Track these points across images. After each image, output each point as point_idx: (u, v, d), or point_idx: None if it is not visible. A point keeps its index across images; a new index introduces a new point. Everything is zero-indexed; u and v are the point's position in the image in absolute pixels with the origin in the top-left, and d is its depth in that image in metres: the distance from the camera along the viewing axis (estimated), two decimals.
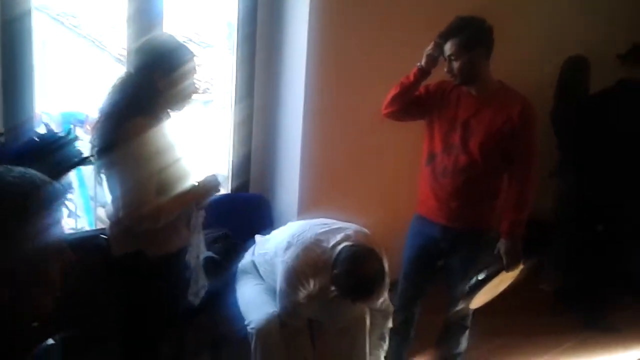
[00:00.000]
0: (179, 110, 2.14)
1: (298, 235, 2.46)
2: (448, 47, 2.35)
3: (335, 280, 2.36)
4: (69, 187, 1.46)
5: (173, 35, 2.18)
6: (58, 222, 1.00)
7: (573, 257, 3.79)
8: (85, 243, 2.61)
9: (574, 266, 3.80)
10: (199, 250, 2.30)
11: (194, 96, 2.20)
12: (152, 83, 2.01)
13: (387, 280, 2.44)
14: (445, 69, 2.39)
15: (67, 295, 1.18)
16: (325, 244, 2.41)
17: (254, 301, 2.58)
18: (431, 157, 2.55)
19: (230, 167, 3.16)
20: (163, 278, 2.12)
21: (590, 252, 3.62)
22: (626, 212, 3.48)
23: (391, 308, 2.66)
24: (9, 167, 0.94)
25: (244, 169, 3.17)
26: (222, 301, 2.63)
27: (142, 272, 2.09)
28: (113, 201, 2.07)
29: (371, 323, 2.64)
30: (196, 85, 2.16)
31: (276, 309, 2.48)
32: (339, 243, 2.40)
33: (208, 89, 3.40)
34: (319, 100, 3.06)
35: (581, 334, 3.51)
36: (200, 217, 2.26)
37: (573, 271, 3.82)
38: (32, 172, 0.95)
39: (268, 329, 2.43)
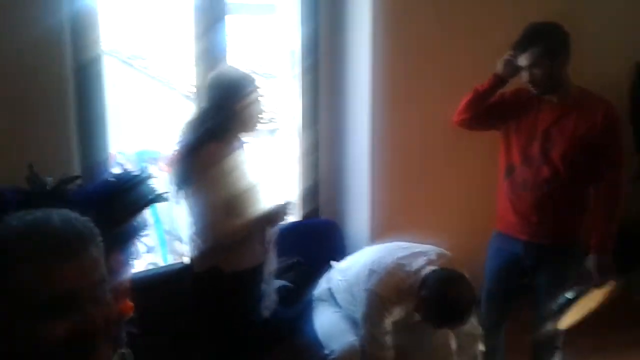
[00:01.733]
0: (250, 133, 2.32)
1: (379, 261, 2.41)
2: (527, 57, 2.25)
3: (423, 306, 2.29)
4: (144, 225, 1.51)
5: (237, 66, 2.40)
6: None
7: None
8: (168, 273, 2.74)
9: None
10: (271, 267, 2.42)
11: (262, 123, 2.40)
12: (223, 112, 2.21)
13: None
14: (525, 79, 2.29)
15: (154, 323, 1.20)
16: (408, 268, 2.36)
17: (334, 329, 2.54)
18: (510, 169, 2.45)
19: (300, 193, 3.17)
20: (239, 293, 2.28)
21: None
22: None
23: (479, 330, 2.55)
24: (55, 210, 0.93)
25: (313, 195, 3.18)
26: (299, 329, 2.61)
27: (218, 287, 2.28)
28: (192, 224, 2.27)
29: (459, 346, 2.54)
30: (263, 110, 2.33)
31: (356, 338, 2.43)
32: (423, 267, 2.35)
33: (274, 118, 3.45)
34: (385, 122, 3.03)
35: None
36: (273, 235, 2.39)
37: None
38: (78, 217, 0.94)
39: (350, 358, 2.39)
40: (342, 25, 3.08)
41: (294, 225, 3.08)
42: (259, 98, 2.28)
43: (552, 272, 2.41)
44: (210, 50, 2.73)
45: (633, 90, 3.65)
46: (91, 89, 2.47)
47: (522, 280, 2.52)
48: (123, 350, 1.22)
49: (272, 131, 3.34)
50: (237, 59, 3.07)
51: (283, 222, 2.38)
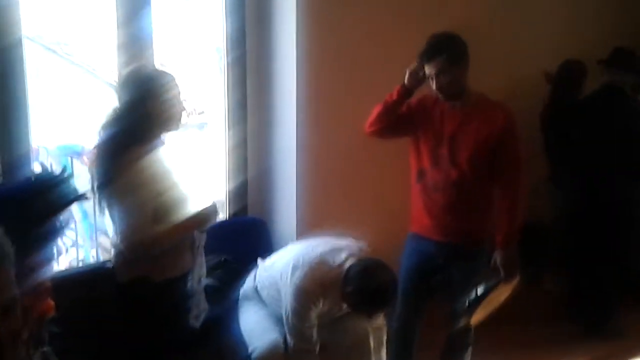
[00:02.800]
0: (171, 132, 2.23)
1: (303, 257, 2.48)
2: (433, 65, 2.39)
3: (350, 296, 2.39)
4: (65, 224, 1.49)
5: (151, 63, 2.35)
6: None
7: (572, 262, 3.78)
8: (90, 276, 2.67)
9: (575, 271, 3.78)
10: (200, 273, 2.36)
11: (185, 118, 2.32)
12: (140, 112, 2.11)
13: None
14: (433, 87, 2.42)
15: (76, 325, 1.20)
16: (331, 262, 2.45)
17: (258, 328, 2.58)
18: (421, 174, 2.58)
19: (227, 191, 3.16)
20: (169, 302, 2.19)
21: (589, 255, 3.60)
22: (620, 212, 3.47)
23: (384, 324, 2.69)
24: None
25: (241, 193, 3.17)
26: (224, 329, 2.64)
27: (148, 297, 2.18)
28: (114, 230, 2.15)
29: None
30: (183, 107, 2.25)
31: (279, 336, 2.49)
32: (345, 261, 2.45)
33: (202, 111, 3.40)
34: (311, 120, 3.06)
35: (586, 342, 3.49)
36: (202, 240, 2.33)
37: (574, 277, 3.80)
38: None
39: (272, 357, 2.44)
40: (268, 18, 3.06)
41: (222, 223, 3.07)
42: (178, 95, 2.19)
43: (464, 269, 2.54)
44: (134, 38, 2.64)
45: (553, 91, 3.79)
46: (11, 76, 2.36)
47: (435, 279, 2.64)
48: (44, 349, 1.22)
49: (200, 126, 3.29)
50: (162, 47, 2.99)
51: (211, 225, 2.32)
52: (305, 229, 3.03)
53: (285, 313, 2.43)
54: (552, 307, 3.77)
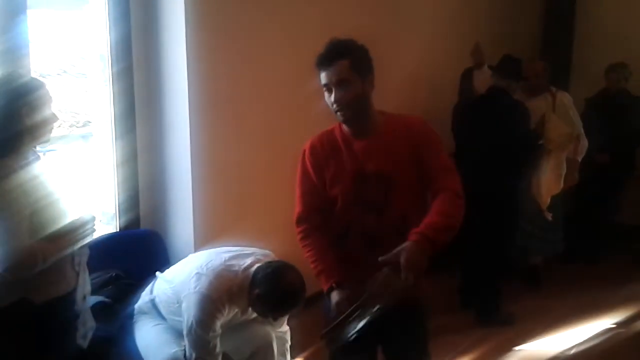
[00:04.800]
0: (44, 142, 2.11)
1: (206, 265, 2.41)
2: (333, 71, 1.92)
3: (258, 300, 2.34)
4: None
5: (24, 72, 2.19)
6: None
7: (462, 253, 3.98)
8: None
9: (464, 261, 3.99)
10: (84, 290, 2.22)
11: (67, 129, 2.16)
12: (7, 123, 1.97)
13: None
14: (330, 101, 1.94)
15: None
16: (236, 268, 2.40)
17: (154, 342, 2.48)
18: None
19: (117, 203, 3.03)
20: (52, 323, 2.06)
21: (477, 246, 3.81)
22: (504, 203, 3.71)
23: (288, 329, 2.68)
24: None
25: (132, 204, 3.05)
26: (116, 346, 2.51)
27: (29, 319, 2.02)
28: None
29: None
30: (55, 117, 2.12)
31: (179, 349, 2.39)
32: (250, 266, 2.40)
33: (88, 122, 3.25)
34: (204, 128, 3.01)
35: (478, 331, 3.66)
36: (84, 255, 2.19)
37: (464, 267, 4.01)
38: None
39: None
40: (155, 25, 2.99)
41: (112, 236, 2.95)
42: (49, 104, 2.06)
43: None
44: (9, 47, 2.51)
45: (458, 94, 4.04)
46: None
47: None
48: None
49: (85, 137, 3.14)
50: (41, 56, 2.83)
51: (90, 238, 2.16)
52: (203, 240, 2.97)
53: (188, 324, 2.33)
54: (444, 298, 3.93)
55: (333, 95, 1.94)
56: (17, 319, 2.02)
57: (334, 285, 1.99)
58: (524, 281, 4.32)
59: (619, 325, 3.82)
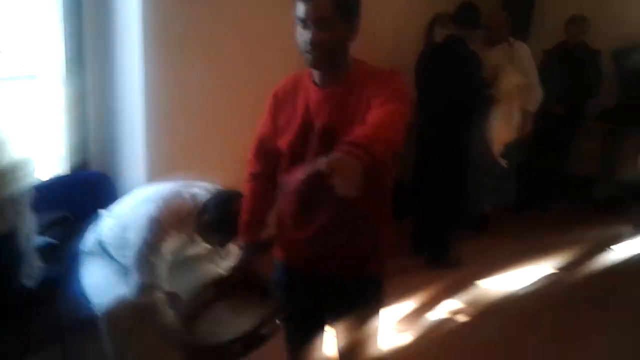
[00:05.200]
0: None
1: (155, 193, 2.40)
2: (313, 7, 1.62)
3: (207, 225, 2.35)
4: None
5: None
6: None
7: (420, 202, 4.06)
8: None
9: (421, 210, 4.07)
10: (28, 230, 2.19)
11: (10, 68, 2.08)
12: None
13: None
14: (304, 38, 1.65)
15: None
16: (186, 195, 2.40)
17: (102, 284, 2.47)
18: None
19: (67, 145, 2.97)
20: None
21: (429, 193, 3.88)
22: (457, 152, 3.78)
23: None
24: None
25: (82, 146, 3.00)
26: (65, 288, 2.51)
27: None
28: None
29: None
30: None
31: (128, 290, 2.39)
32: (200, 194, 2.41)
33: (30, 62, 3.14)
34: (157, 72, 2.94)
35: (427, 273, 3.79)
36: (26, 196, 2.14)
37: (420, 215, 4.09)
38: None
39: (119, 313, 2.34)
40: None
41: (61, 179, 2.90)
42: None
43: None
44: None
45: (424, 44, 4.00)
46: None
47: None
48: None
49: (30, 77, 3.03)
50: None
51: (28, 181, 2.12)
52: (155, 182, 2.93)
53: (136, 249, 2.29)
54: (396, 242, 4.04)
55: (307, 34, 1.64)
56: None
57: (241, 244, 1.93)
58: (474, 227, 4.44)
59: (562, 268, 3.98)
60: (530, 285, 3.75)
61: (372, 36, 4.24)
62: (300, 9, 1.64)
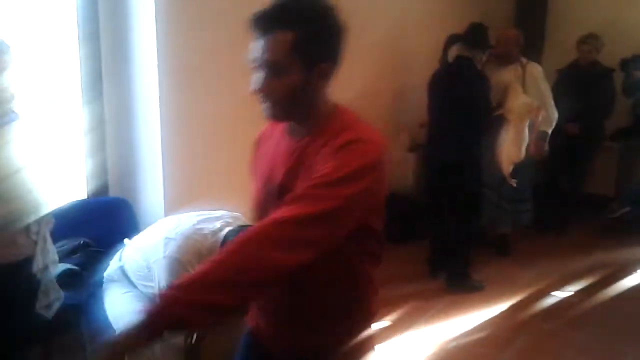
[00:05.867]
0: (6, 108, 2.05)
1: (175, 229, 2.38)
2: (265, 47, 1.31)
3: None
4: None
5: None
6: None
7: (432, 223, 4.03)
8: None
9: (434, 231, 4.05)
10: (47, 260, 2.18)
11: (17, 97, 2.10)
12: None
13: None
14: (254, 84, 1.35)
15: None
16: (206, 232, 2.37)
17: (124, 310, 2.46)
18: None
19: (86, 170, 2.99)
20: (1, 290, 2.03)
21: (444, 214, 3.87)
22: (468, 173, 3.74)
23: None
24: None
25: (100, 171, 3.01)
26: (86, 314, 2.50)
27: None
28: None
29: None
30: (14, 86, 2.06)
31: None
32: (220, 229, 2.38)
33: (54, 87, 3.17)
34: (174, 93, 2.96)
35: (446, 297, 3.73)
36: (46, 224, 2.15)
37: (436, 237, 4.06)
38: None
39: None
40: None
41: (80, 204, 2.91)
42: (14, 68, 2.03)
43: None
44: None
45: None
46: None
47: None
48: None
49: (52, 102, 3.06)
50: (8, 20, 2.75)
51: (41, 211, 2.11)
52: (173, 206, 2.94)
53: (159, 290, 2.30)
54: (412, 267, 4.01)
55: (259, 79, 1.34)
56: None
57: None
58: (493, 250, 4.41)
59: (582, 292, 3.93)
60: (551, 307, 3.70)
61: (389, 55, 4.33)
62: (252, 46, 1.34)
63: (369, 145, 1.32)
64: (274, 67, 1.31)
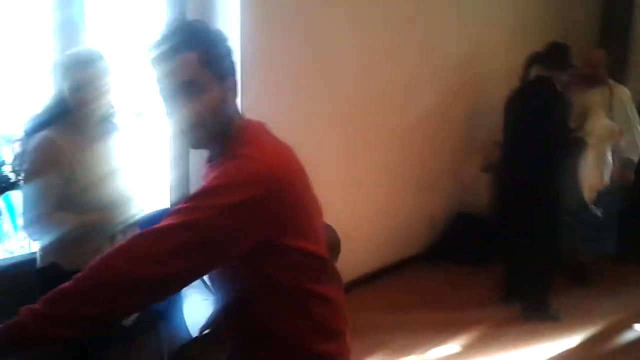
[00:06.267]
0: (100, 125, 2.15)
1: None
2: (174, 71, 1.29)
3: None
4: None
5: (90, 49, 2.19)
6: None
7: (507, 247, 3.93)
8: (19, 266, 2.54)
9: (509, 256, 3.93)
10: None
11: (120, 106, 2.25)
12: (64, 99, 2.06)
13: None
14: (170, 113, 1.34)
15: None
16: None
17: (202, 318, 2.52)
18: None
19: (170, 178, 3.09)
20: None
21: (520, 238, 3.75)
22: (546, 196, 3.62)
23: None
24: None
25: (183, 181, 3.10)
26: (166, 320, 2.56)
27: (58, 284, 2.06)
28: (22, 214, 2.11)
29: None
30: (112, 103, 2.18)
31: None
32: None
33: (141, 99, 3.31)
34: (258, 108, 2.99)
35: (521, 325, 3.61)
36: (129, 232, 2.22)
37: (511, 262, 3.94)
38: None
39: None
40: (211, 5, 3.02)
41: (164, 212, 2.98)
42: (108, 81, 2.11)
43: None
44: (67, 23, 2.59)
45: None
46: None
47: None
48: None
49: (138, 114, 3.19)
50: (98, 33, 2.89)
51: (127, 218, 2.21)
52: None
53: None
54: (484, 291, 3.91)
55: (175, 107, 1.30)
56: (47, 282, 2.08)
57: None
58: (570, 278, 4.24)
59: None
60: (632, 341, 3.52)
61: (464, 76, 4.29)
62: (158, 81, 1.31)
63: (256, 162, 1.26)
64: (190, 87, 1.28)
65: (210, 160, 1.41)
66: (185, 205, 1.22)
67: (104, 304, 1.15)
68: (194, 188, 3.14)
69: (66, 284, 1.18)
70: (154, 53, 1.30)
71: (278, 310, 1.36)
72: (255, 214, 1.23)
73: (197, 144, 1.35)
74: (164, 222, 1.19)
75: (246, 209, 1.21)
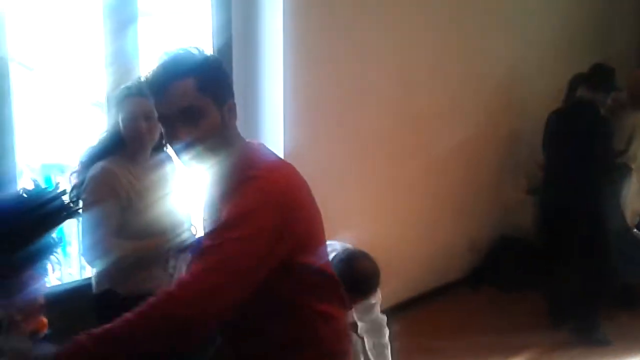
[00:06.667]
0: (153, 154, 2.24)
1: None
2: (172, 98, 1.35)
3: None
4: (58, 241, 1.48)
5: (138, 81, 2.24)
6: None
7: (554, 271, 3.85)
8: (76, 291, 2.62)
9: (557, 280, 3.85)
10: None
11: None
12: (119, 131, 2.15)
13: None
14: (171, 138, 1.41)
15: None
16: None
17: None
18: None
19: None
20: None
21: (576, 265, 3.66)
22: (589, 219, 3.57)
23: (383, 320, 2.67)
24: None
25: None
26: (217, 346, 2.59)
27: (114, 310, 2.11)
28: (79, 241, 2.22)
29: (366, 331, 2.71)
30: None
31: None
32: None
33: None
34: (299, 134, 3.09)
35: (570, 350, 3.54)
36: (183, 259, 2.26)
37: (556, 285, 3.86)
38: None
39: None
40: (255, 35, 3.12)
41: None
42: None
43: None
44: (121, 55, 2.67)
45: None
46: None
47: None
48: None
49: None
50: (150, 64, 3.01)
51: (182, 243, 2.25)
52: None
53: None
54: (533, 315, 3.83)
55: (175, 132, 1.35)
56: (103, 308, 2.15)
57: None
58: (617, 301, 4.11)
59: None
60: None
61: (505, 99, 4.26)
62: (156, 108, 1.38)
63: (269, 182, 1.33)
64: (190, 112, 1.34)
65: (218, 182, 1.44)
66: (207, 243, 1.31)
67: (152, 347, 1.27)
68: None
69: (116, 326, 1.29)
70: (151, 81, 1.37)
71: (285, 328, 1.43)
72: (277, 235, 1.31)
73: (199, 166, 1.41)
74: (194, 265, 1.29)
75: (270, 229, 1.30)
